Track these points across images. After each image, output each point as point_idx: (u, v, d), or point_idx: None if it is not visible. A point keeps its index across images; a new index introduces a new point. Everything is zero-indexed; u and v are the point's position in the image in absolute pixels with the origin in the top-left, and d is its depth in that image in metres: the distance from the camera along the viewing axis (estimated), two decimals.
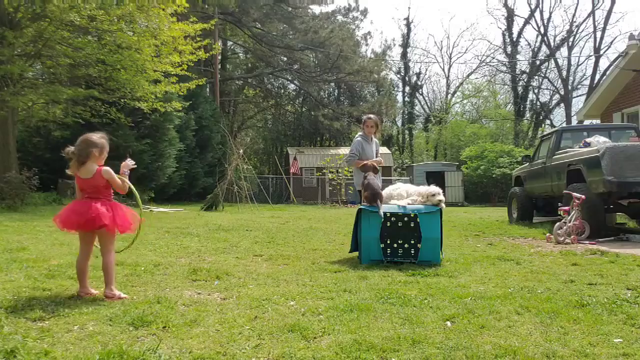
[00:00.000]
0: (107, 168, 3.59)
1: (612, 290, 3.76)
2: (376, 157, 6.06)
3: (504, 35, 38.12)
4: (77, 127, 15.13)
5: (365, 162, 5.70)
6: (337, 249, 6.22)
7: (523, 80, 38.15)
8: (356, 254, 5.51)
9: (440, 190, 5.41)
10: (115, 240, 3.65)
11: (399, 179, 27.08)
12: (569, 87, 36.32)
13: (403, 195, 5.54)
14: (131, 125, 15.10)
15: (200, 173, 22.26)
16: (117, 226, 3.53)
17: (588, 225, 7.28)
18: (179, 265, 4.83)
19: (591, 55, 34.35)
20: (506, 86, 41.11)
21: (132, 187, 3.74)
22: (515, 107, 38.46)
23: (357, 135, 6.20)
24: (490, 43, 64.41)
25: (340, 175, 23.50)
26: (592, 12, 34.29)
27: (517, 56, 38.40)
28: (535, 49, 37.88)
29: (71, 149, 3.55)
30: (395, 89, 41.55)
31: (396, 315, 3.05)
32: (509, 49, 38.13)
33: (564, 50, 37.16)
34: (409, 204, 5.32)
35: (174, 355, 2.36)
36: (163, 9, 12.35)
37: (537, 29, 37.51)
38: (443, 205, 5.33)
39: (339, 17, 32.71)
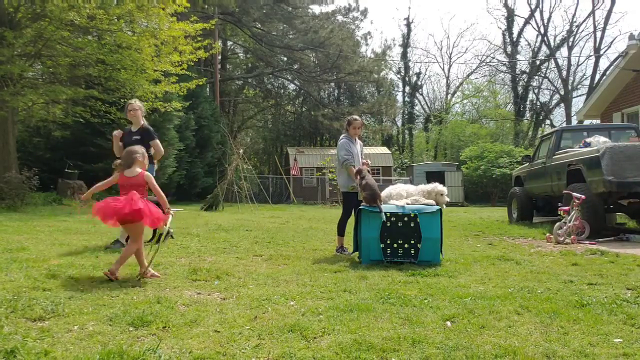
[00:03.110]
0: (149, 174, 4.27)
1: (612, 290, 3.77)
2: (361, 157, 6.17)
3: (504, 35, 38.18)
4: (77, 127, 15.19)
5: (359, 167, 5.81)
6: None
7: (523, 80, 38.16)
8: (356, 254, 5.51)
9: (445, 190, 5.50)
10: (143, 232, 4.24)
11: (398, 179, 27.11)
12: (569, 87, 36.34)
13: (403, 195, 5.54)
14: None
15: (200, 173, 22.26)
16: (148, 219, 4.08)
17: (588, 225, 7.28)
18: (179, 265, 4.84)
19: (591, 55, 34.40)
20: (506, 86, 41.16)
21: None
22: (515, 107, 38.48)
23: (342, 137, 6.21)
24: (490, 43, 64.41)
25: None
26: (592, 12, 34.36)
27: (517, 56, 38.47)
28: (535, 49, 37.94)
29: (118, 161, 4.35)
30: (395, 89, 41.65)
31: (396, 315, 3.05)
32: (509, 49, 38.18)
33: (564, 50, 37.25)
34: (408, 203, 5.32)
35: (174, 355, 2.36)
36: (163, 9, 12.34)
37: (537, 29, 37.60)
38: (443, 205, 5.36)
39: (339, 17, 32.75)
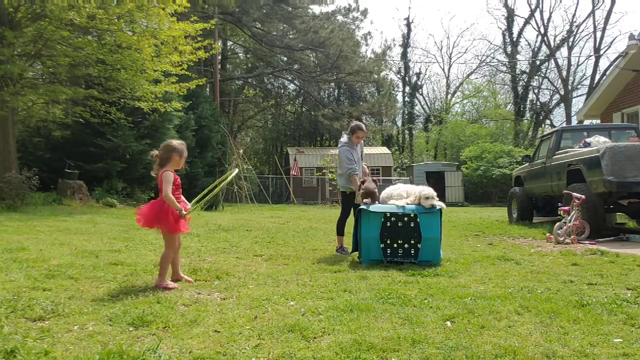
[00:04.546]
0: (168, 172, 3.85)
1: (612, 290, 3.76)
2: (362, 160, 6.24)
3: (504, 35, 38.19)
4: (77, 127, 15.17)
5: (364, 190, 5.69)
6: None
7: (523, 80, 38.16)
8: (356, 254, 5.51)
9: (434, 194, 5.26)
10: (174, 237, 3.97)
11: (399, 179, 27.11)
12: (569, 87, 36.34)
13: (403, 195, 5.54)
14: (131, 125, 15.09)
15: (200, 173, 22.24)
16: (158, 225, 3.86)
17: (588, 225, 7.28)
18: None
19: (591, 55, 34.41)
20: (506, 86, 41.17)
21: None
22: (515, 107, 38.48)
23: (342, 144, 6.11)
24: (490, 43, 64.34)
25: None
26: (592, 12, 34.37)
27: (517, 56, 38.46)
28: (535, 49, 37.95)
29: (155, 152, 3.95)
30: (395, 89, 41.62)
31: (396, 315, 3.05)
32: (509, 49, 38.17)
33: (564, 50, 37.26)
34: (407, 203, 5.33)
35: (174, 355, 2.36)
36: (163, 9, 12.34)
37: (537, 29, 37.63)
38: (443, 205, 5.34)
39: (339, 17, 32.72)
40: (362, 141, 6.33)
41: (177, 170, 4.03)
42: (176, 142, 4.01)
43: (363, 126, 6.22)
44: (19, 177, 11.43)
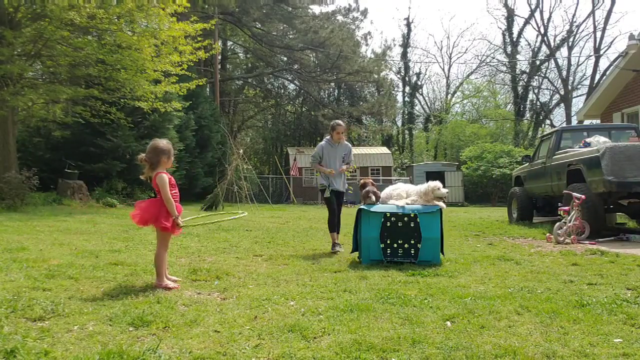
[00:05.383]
0: (162, 175, 3.89)
1: (612, 290, 3.76)
2: (344, 161, 6.36)
3: (504, 35, 38.20)
4: (77, 127, 15.17)
5: (363, 181, 6.01)
6: None
7: (523, 80, 38.17)
8: (356, 254, 5.52)
9: (441, 184, 5.45)
10: (168, 237, 4.00)
11: (399, 179, 27.09)
12: (569, 87, 36.35)
13: (402, 195, 5.55)
14: (131, 125, 15.08)
15: (200, 173, 22.24)
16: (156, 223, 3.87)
17: (588, 225, 7.28)
18: (179, 265, 4.83)
19: (591, 55, 34.42)
20: (506, 86, 41.16)
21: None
22: (515, 107, 38.49)
23: (322, 141, 6.43)
24: (490, 43, 64.22)
25: None
26: (592, 12, 34.40)
27: (517, 56, 38.46)
28: (535, 49, 37.97)
29: (142, 156, 3.97)
30: (395, 89, 41.55)
31: (396, 315, 3.05)
32: (509, 49, 38.19)
33: (564, 50, 37.27)
34: (407, 204, 5.33)
35: (174, 355, 2.36)
36: (163, 9, 12.34)
37: (537, 29, 37.72)
38: (443, 205, 5.35)
39: (339, 17, 32.69)
40: (348, 143, 6.48)
41: (176, 171, 4.05)
42: (162, 144, 4.02)
43: (340, 122, 6.44)
44: (19, 177, 11.43)
